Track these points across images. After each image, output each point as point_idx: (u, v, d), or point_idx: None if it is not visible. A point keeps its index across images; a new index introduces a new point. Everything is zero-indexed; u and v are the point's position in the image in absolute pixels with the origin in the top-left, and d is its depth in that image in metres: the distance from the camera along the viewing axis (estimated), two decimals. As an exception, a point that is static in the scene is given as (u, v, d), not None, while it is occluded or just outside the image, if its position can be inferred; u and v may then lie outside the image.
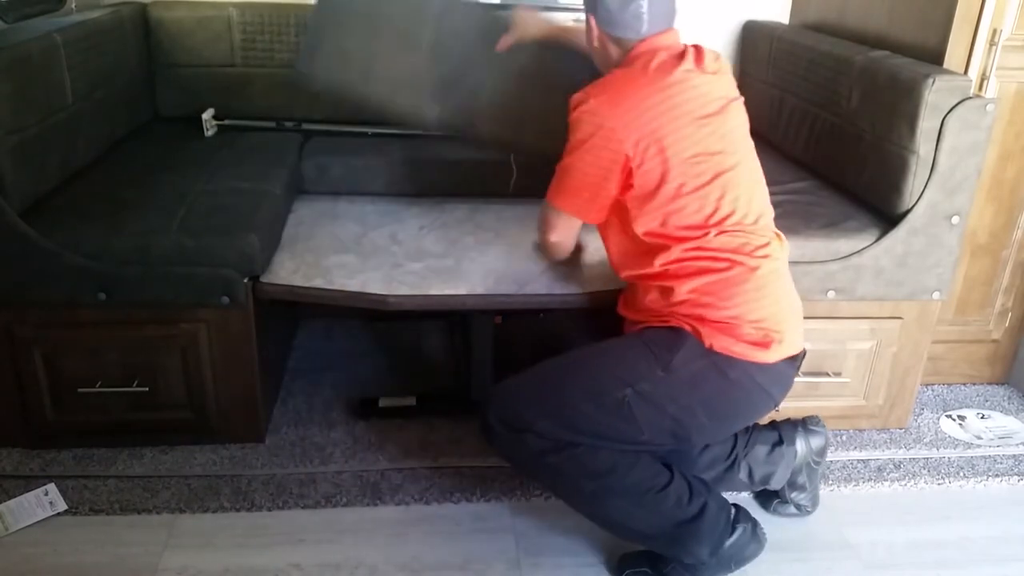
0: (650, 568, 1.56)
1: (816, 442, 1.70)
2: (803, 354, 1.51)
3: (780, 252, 1.50)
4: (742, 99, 1.55)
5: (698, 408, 1.43)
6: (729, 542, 1.52)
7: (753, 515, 1.59)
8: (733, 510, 1.55)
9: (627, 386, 1.41)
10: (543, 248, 1.66)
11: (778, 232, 1.53)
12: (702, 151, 1.42)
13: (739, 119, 1.53)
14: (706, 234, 1.42)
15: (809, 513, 1.76)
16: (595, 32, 1.52)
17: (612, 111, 1.40)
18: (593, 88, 1.44)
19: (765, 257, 1.45)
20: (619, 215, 1.50)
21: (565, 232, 1.59)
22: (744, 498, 1.81)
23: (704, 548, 1.48)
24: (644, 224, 1.45)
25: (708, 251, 1.42)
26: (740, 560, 1.55)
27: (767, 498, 1.78)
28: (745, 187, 1.47)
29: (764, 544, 1.57)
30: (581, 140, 1.43)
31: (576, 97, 1.45)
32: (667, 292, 1.45)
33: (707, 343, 1.41)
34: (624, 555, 1.61)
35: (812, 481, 1.73)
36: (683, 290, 1.43)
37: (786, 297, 1.49)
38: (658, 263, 1.44)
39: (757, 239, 1.45)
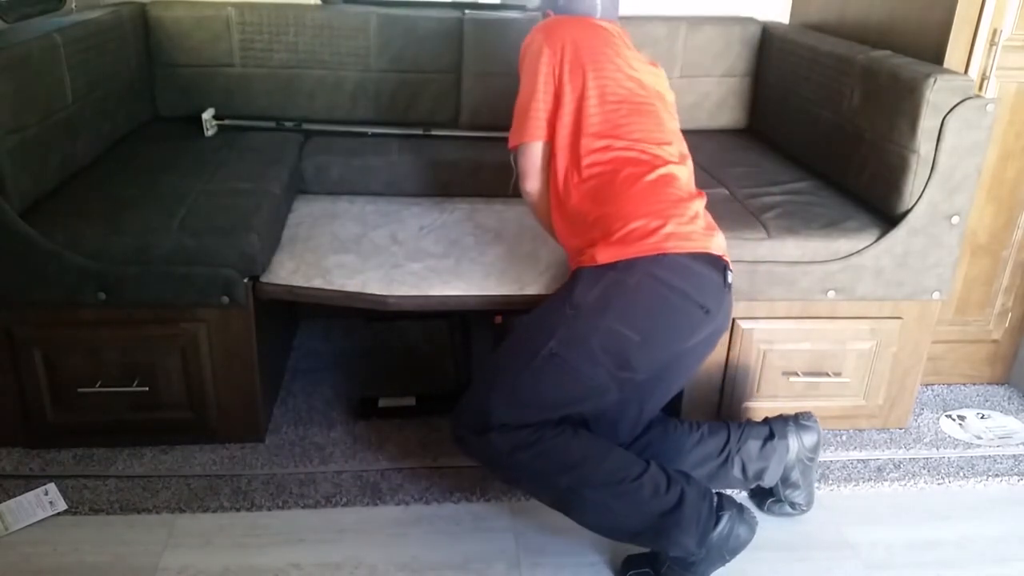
0: (652, 569, 1.56)
1: (808, 438, 1.70)
2: (724, 262, 1.53)
3: (680, 171, 1.59)
4: (673, 98, 1.72)
5: (618, 327, 1.44)
6: (716, 531, 1.48)
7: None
8: (715, 497, 1.51)
9: (549, 339, 1.44)
10: (529, 204, 1.74)
11: (685, 155, 1.65)
12: (620, 89, 1.60)
13: (660, 77, 1.71)
14: (607, 147, 1.56)
15: (804, 512, 1.76)
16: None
17: (549, 32, 1.62)
18: (538, 28, 1.67)
19: (659, 166, 1.55)
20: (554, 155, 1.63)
21: (532, 168, 1.67)
22: (739, 497, 1.81)
23: (690, 538, 1.46)
24: (560, 150, 1.59)
25: (606, 158, 1.56)
26: (732, 549, 1.50)
27: (762, 497, 1.78)
28: (653, 120, 1.61)
29: (755, 527, 1.52)
30: (522, 66, 1.66)
31: (532, 31, 1.67)
32: (581, 224, 1.57)
33: (600, 261, 1.47)
34: (628, 557, 1.60)
35: (806, 478, 1.73)
36: (588, 210, 1.55)
37: (678, 203, 1.53)
38: (575, 193, 1.57)
39: (654, 157, 1.57)
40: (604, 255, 1.48)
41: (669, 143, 1.61)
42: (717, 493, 1.53)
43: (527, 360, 1.46)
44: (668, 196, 1.53)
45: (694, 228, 1.51)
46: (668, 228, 1.47)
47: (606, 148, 1.57)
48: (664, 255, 1.45)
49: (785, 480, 1.72)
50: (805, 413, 1.73)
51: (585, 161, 1.57)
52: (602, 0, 1.69)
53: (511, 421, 1.44)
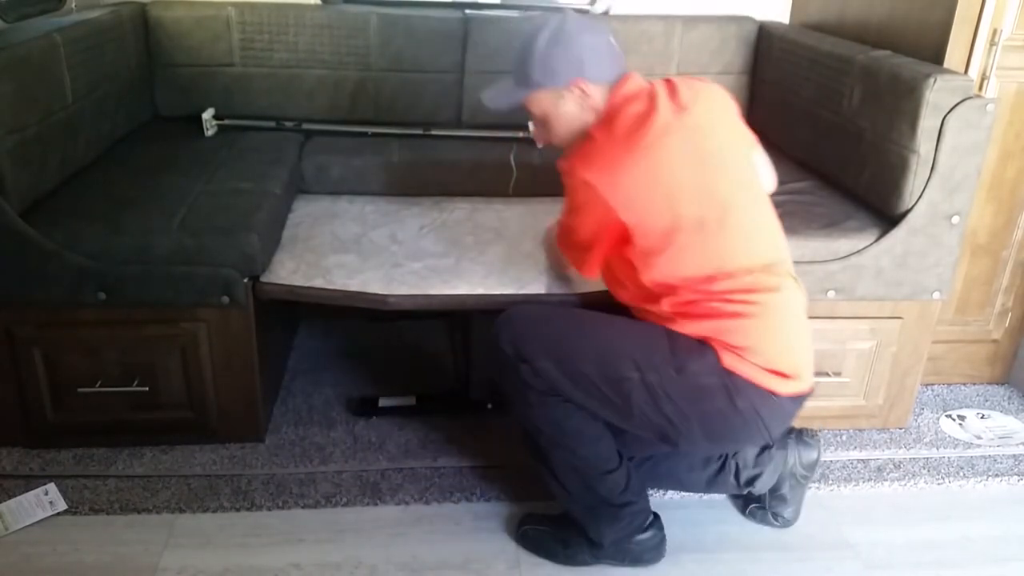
0: (551, 529, 1.64)
1: (807, 455, 1.68)
2: (810, 392, 1.49)
3: (795, 293, 1.46)
4: (735, 113, 1.51)
5: (695, 421, 1.42)
6: (636, 539, 1.59)
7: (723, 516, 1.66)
8: (652, 517, 1.61)
9: (637, 370, 1.40)
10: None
11: (795, 276, 1.50)
12: (700, 201, 1.39)
13: (734, 150, 1.48)
14: (713, 281, 1.40)
15: (787, 525, 1.74)
16: (576, 94, 1.46)
17: (602, 180, 1.37)
18: (579, 157, 1.42)
19: (775, 291, 1.42)
20: (621, 264, 1.49)
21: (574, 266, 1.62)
22: (723, 500, 1.81)
23: (611, 534, 1.57)
24: (649, 275, 1.42)
25: (716, 296, 1.40)
26: (635, 559, 1.61)
27: (746, 500, 1.77)
28: (751, 230, 1.44)
29: (660, 559, 1.63)
30: (578, 205, 1.45)
31: (564, 164, 1.44)
32: (675, 305, 1.44)
33: (725, 362, 1.39)
34: (528, 514, 1.70)
35: (795, 494, 1.72)
36: (692, 327, 1.42)
37: (799, 337, 1.46)
38: (665, 305, 1.43)
39: (768, 280, 1.42)
40: (726, 358, 1.39)
41: (771, 261, 1.44)
42: (654, 514, 1.63)
43: (604, 363, 1.42)
44: (784, 330, 1.43)
45: (805, 362, 1.46)
46: (786, 367, 1.41)
47: (697, 300, 1.41)
48: (775, 396, 1.42)
49: (774, 491, 1.71)
50: (809, 431, 1.72)
51: (682, 298, 1.42)
52: (618, 47, 1.51)
53: (548, 379, 1.43)
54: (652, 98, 1.43)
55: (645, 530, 1.60)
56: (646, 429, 1.45)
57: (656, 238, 1.39)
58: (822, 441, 1.74)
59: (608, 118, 1.44)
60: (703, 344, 1.41)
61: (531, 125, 1.62)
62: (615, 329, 1.48)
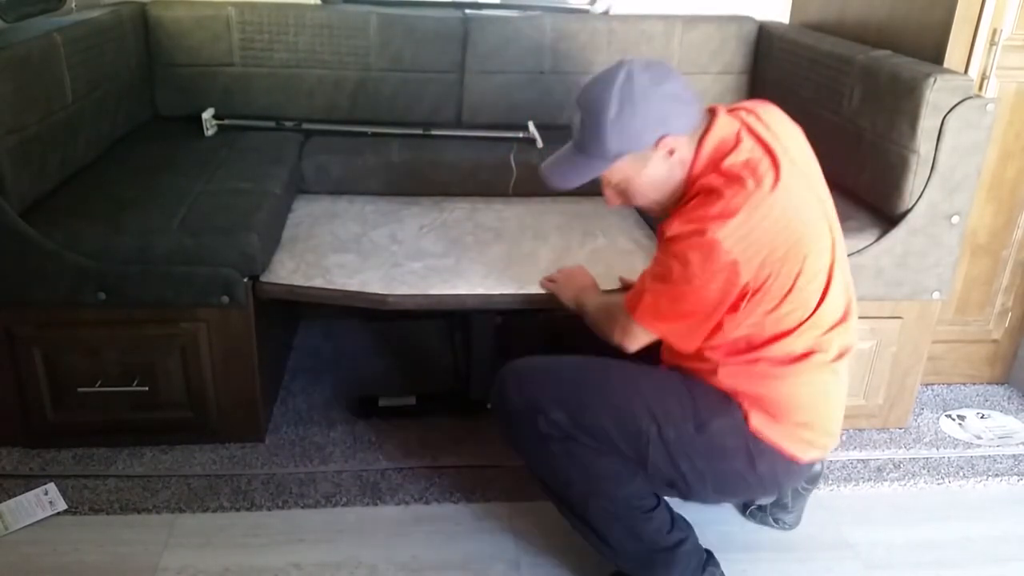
0: None
1: (816, 467, 1.66)
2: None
3: (850, 355, 1.39)
4: (801, 133, 1.42)
5: (709, 478, 1.37)
6: None
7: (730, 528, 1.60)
8: (705, 555, 1.53)
9: (654, 423, 1.34)
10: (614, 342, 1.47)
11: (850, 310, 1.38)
12: (820, 247, 1.30)
13: (824, 186, 1.39)
14: (783, 337, 1.31)
15: (790, 529, 1.73)
16: (662, 153, 1.30)
17: (741, 243, 1.21)
18: (711, 217, 1.23)
19: (835, 353, 1.35)
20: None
21: (644, 343, 1.41)
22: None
23: None
24: (730, 334, 1.31)
25: (776, 354, 1.32)
26: None
27: (746, 502, 1.76)
28: (839, 282, 1.34)
29: None
30: (695, 272, 1.25)
31: (681, 227, 1.25)
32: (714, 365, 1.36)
33: (751, 424, 1.34)
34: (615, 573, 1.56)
35: (797, 504, 1.71)
36: (731, 381, 1.35)
37: (840, 401, 1.41)
38: (714, 357, 1.34)
39: (835, 340, 1.34)
40: (755, 419, 1.34)
41: (841, 317, 1.35)
42: (707, 550, 1.53)
43: (620, 415, 1.35)
44: (828, 399, 1.37)
45: (838, 428, 1.41)
46: (818, 435, 1.37)
47: (757, 359, 1.32)
48: (795, 463, 1.38)
49: (776, 500, 1.70)
50: None
51: (741, 355, 1.34)
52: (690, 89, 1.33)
53: (562, 428, 1.36)
54: (753, 133, 1.31)
55: (704, 569, 1.50)
56: (657, 479, 1.39)
57: (773, 297, 1.27)
58: (822, 474, 1.72)
59: (712, 166, 1.29)
60: (729, 400, 1.34)
61: (604, 189, 1.41)
62: (629, 377, 1.40)
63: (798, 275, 1.27)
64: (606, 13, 2.68)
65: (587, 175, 1.36)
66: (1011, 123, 2.01)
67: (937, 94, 1.74)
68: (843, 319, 1.36)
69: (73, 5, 2.28)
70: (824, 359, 1.34)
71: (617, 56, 2.50)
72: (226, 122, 2.41)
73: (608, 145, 1.29)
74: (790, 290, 1.28)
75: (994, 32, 1.83)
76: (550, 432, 1.36)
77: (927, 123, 1.76)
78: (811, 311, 1.31)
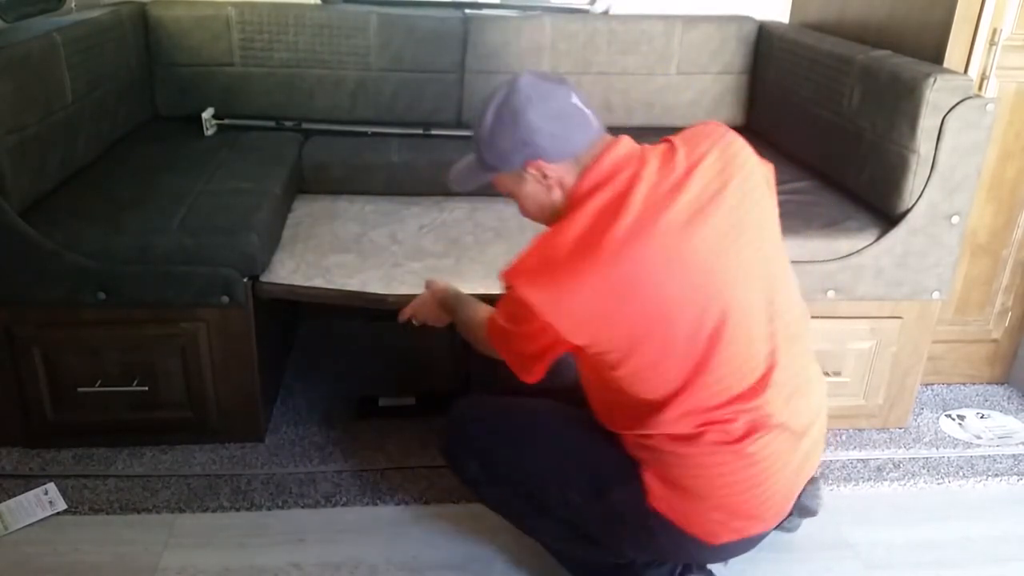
0: None
1: (809, 510, 1.46)
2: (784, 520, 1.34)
3: (791, 413, 1.23)
4: (747, 169, 1.22)
5: (615, 541, 1.35)
6: None
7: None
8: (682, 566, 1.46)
9: (558, 486, 1.33)
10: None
11: (810, 379, 1.27)
12: (696, 309, 1.13)
13: (762, 221, 1.22)
14: (685, 414, 1.18)
15: (789, 532, 1.71)
16: (534, 175, 1.23)
17: (549, 305, 1.12)
18: (522, 271, 1.17)
19: (745, 438, 1.19)
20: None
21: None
22: None
23: None
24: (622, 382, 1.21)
25: (660, 434, 1.21)
26: None
27: None
28: (751, 339, 1.18)
29: None
30: (523, 329, 1.19)
31: (509, 276, 1.18)
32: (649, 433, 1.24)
33: (649, 498, 1.25)
34: None
35: (793, 524, 1.65)
36: (637, 453, 1.27)
37: (763, 482, 1.23)
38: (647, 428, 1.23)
39: (742, 415, 1.18)
40: (655, 494, 1.25)
41: (763, 375, 1.19)
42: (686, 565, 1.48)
43: (524, 478, 1.36)
44: (747, 483, 1.22)
45: (759, 515, 1.27)
46: (724, 519, 1.25)
47: (683, 416, 1.18)
48: (706, 545, 1.28)
49: None
50: (815, 486, 1.43)
51: (653, 431, 1.22)
52: (589, 109, 1.23)
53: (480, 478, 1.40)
54: (632, 180, 1.15)
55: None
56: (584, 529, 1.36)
57: (617, 359, 1.16)
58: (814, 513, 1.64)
59: (573, 205, 1.19)
60: (633, 469, 1.25)
61: None
62: (550, 434, 1.37)
63: (669, 347, 1.14)
64: (606, 13, 2.68)
65: (474, 181, 1.34)
66: (1011, 123, 2.01)
67: (937, 94, 1.74)
68: (755, 391, 1.19)
69: (73, 5, 2.28)
70: (721, 438, 1.18)
71: (617, 56, 2.52)
72: (226, 122, 2.41)
73: (485, 158, 1.27)
74: (651, 365, 1.15)
75: (994, 32, 1.83)
76: (475, 478, 1.41)
77: (927, 123, 1.76)
78: (679, 386, 1.16)
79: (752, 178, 1.22)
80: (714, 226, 1.14)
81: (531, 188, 1.25)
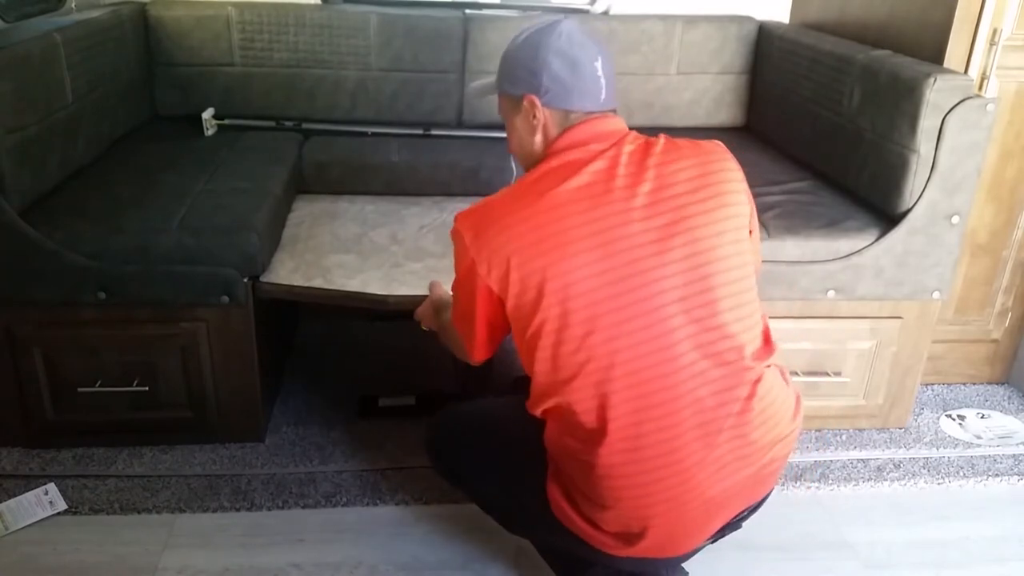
0: None
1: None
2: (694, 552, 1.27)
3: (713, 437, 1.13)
4: (726, 196, 1.17)
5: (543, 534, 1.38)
6: None
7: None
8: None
9: (508, 492, 1.37)
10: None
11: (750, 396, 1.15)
12: (600, 296, 1.10)
13: (698, 233, 1.13)
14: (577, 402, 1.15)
15: None
16: (526, 109, 1.22)
17: (475, 238, 1.14)
18: (469, 210, 1.20)
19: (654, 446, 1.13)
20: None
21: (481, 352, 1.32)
22: None
23: None
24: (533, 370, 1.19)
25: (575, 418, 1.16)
26: None
27: None
28: (662, 345, 1.11)
29: None
30: (459, 276, 1.23)
31: (458, 214, 1.21)
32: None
33: (548, 492, 1.24)
34: None
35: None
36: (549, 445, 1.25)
37: (662, 500, 1.15)
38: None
39: (650, 425, 1.12)
40: (552, 490, 1.25)
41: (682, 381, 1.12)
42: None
43: (484, 482, 1.41)
44: (677, 484, 1.14)
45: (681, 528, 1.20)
46: (637, 532, 1.19)
47: (575, 403, 1.15)
48: (604, 554, 1.25)
49: None
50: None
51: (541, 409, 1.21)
52: (605, 78, 1.21)
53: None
54: (599, 153, 1.16)
55: None
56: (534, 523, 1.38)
57: (532, 321, 1.13)
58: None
59: (544, 158, 1.21)
60: (542, 461, 1.25)
61: None
62: (511, 435, 1.34)
63: (566, 318, 1.11)
64: (606, 13, 2.68)
65: (484, 93, 1.38)
66: (1011, 123, 2.01)
67: (937, 94, 1.74)
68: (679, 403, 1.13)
69: (73, 5, 2.28)
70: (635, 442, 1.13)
71: (617, 56, 2.52)
72: (226, 122, 2.41)
73: (499, 74, 1.29)
74: (535, 343, 1.14)
75: (994, 32, 1.83)
76: (458, 486, 1.46)
77: (927, 123, 1.76)
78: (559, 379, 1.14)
79: (728, 209, 1.17)
80: (658, 226, 1.11)
81: (521, 122, 1.25)
